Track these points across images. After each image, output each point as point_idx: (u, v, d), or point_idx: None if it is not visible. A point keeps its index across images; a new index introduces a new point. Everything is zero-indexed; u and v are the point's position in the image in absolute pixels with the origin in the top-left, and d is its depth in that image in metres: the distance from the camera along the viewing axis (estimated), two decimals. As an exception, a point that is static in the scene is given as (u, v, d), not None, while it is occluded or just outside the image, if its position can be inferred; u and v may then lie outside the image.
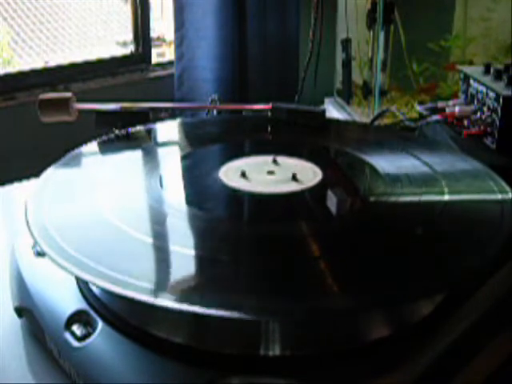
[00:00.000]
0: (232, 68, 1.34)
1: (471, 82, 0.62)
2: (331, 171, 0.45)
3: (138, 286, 0.29)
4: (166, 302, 0.28)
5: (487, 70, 0.60)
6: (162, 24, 1.69)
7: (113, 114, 0.52)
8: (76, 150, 0.48)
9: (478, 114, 0.60)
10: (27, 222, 0.35)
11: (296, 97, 0.92)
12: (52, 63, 1.35)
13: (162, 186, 0.41)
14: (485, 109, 0.58)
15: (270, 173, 0.43)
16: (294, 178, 0.42)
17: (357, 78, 1.17)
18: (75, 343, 0.31)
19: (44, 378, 0.33)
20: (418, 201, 0.40)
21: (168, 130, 0.56)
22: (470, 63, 1.08)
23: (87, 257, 0.31)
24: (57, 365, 0.33)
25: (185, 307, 0.28)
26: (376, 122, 0.65)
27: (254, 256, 0.34)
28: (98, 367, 0.30)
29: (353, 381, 0.28)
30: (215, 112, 0.60)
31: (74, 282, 0.36)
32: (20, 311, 0.37)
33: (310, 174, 0.43)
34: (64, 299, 0.35)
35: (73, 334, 0.32)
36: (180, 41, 1.32)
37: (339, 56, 1.18)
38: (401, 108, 0.99)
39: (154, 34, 1.50)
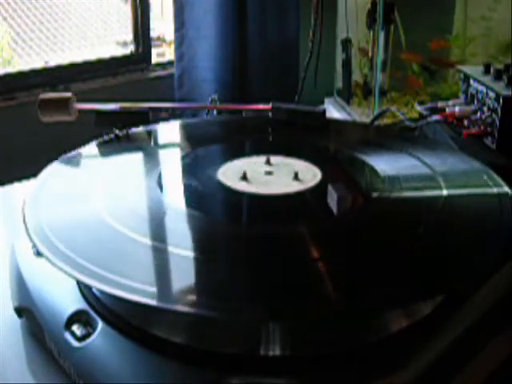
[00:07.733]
0: (232, 68, 1.33)
1: (471, 81, 0.62)
2: (331, 171, 0.45)
3: (137, 289, 0.29)
4: (166, 304, 0.28)
5: (487, 70, 0.60)
6: (162, 24, 1.69)
7: (113, 114, 0.52)
8: (75, 151, 0.48)
9: (478, 114, 0.59)
10: (24, 223, 0.35)
11: (296, 97, 0.92)
12: (52, 63, 1.34)
13: (160, 186, 0.41)
14: (485, 109, 0.58)
15: (269, 173, 0.43)
16: (294, 178, 0.42)
17: (357, 77, 1.17)
18: (75, 343, 0.31)
19: (44, 378, 0.33)
20: (418, 201, 0.40)
21: (168, 131, 0.56)
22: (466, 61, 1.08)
23: (84, 258, 0.31)
24: (57, 365, 0.33)
25: (184, 309, 0.28)
26: (376, 122, 0.65)
27: (253, 257, 0.34)
28: (98, 367, 0.30)
29: (353, 381, 0.28)
30: (215, 112, 0.60)
31: (74, 281, 0.36)
32: (20, 311, 0.37)
33: (309, 174, 0.43)
34: (64, 299, 0.35)
35: (73, 333, 0.32)
36: (180, 41, 1.32)
37: (339, 56, 1.18)
38: (401, 108, 0.99)
39: (153, 33, 1.50)
